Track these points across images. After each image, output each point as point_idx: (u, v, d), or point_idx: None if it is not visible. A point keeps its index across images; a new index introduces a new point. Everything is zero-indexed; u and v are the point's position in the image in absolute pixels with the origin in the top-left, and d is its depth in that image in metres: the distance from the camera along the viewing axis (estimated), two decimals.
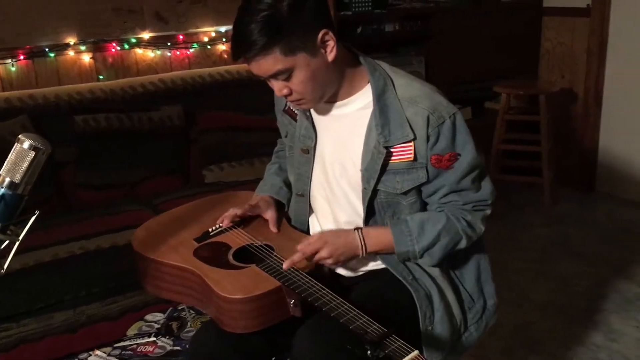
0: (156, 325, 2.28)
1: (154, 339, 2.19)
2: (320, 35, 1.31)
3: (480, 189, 1.48)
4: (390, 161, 1.42)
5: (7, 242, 1.13)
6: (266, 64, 1.31)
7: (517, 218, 3.49)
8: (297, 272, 1.39)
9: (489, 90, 3.74)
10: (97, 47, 3.07)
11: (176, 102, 3.04)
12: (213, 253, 1.52)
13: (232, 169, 2.96)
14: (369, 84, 1.43)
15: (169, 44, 3.23)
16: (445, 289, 1.50)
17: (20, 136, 1.13)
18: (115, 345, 2.20)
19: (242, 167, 2.96)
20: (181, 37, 3.26)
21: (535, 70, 4.10)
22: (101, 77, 3.10)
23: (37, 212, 1.16)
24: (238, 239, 1.58)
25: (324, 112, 1.51)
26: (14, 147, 1.12)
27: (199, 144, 3.05)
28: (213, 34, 3.34)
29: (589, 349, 2.34)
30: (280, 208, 1.69)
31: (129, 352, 2.15)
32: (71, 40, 3.00)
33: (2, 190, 1.12)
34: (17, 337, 2.21)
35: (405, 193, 1.44)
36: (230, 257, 1.50)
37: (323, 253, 1.40)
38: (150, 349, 2.15)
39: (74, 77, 3.05)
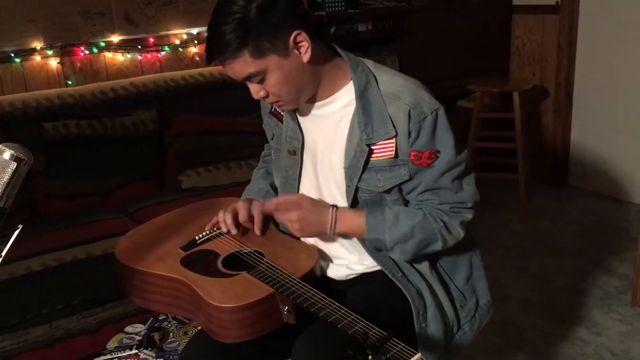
0: (137, 337, 2.22)
1: (136, 351, 2.13)
2: (292, 36, 1.29)
3: (460, 190, 1.42)
4: (372, 159, 1.39)
5: None
6: (238, 67, 1.29)
7: (494, 215, 3.51)
8: (290, 278, 1.36)
9: (461, 88, 3.76)
10: (64, 52, 2.98)
11: (149, 106, 2.96)
12: (201, 261, 1.47)
13: (208, 173, 2.90)
14: (352, 81, 1.40)
15: (139, 47, 3.16)
16: (435, 286, 1.49)
17: (0, 146, 1.07)
18: (96, 359, 2.13)
19: (219, 171, 2.90)
20: (152, 40, 3.19)
21: (506, 68, 4.13)
22: (69, 82, 3.01)
23: (20, 226, 1.09)
24: (226, 246, 1.53)
25: (308, 112, 1.48)
26: None
27: (173, 149, 2.98)
28: (184, 37, 3.28)
29: (575, 344, 2.35)
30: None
31: None
32: (37, 45, 2.90)
33: None
34: None
35: (388, 191, 1.42)
36: (219, 264, 1.46)
37: (293, 215, 1.42)
38: None
39: (41, 82, 2.95)
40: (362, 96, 1.37)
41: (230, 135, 3.03)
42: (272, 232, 1.60)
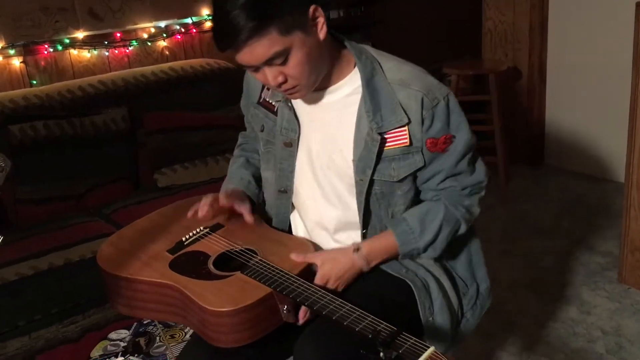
0: (122, 344, 2.15)
1: (122, 358, 2.06)
2: (311, 10, 1.22)
3: (474, 171, 1.43)
4: (385, 148, 1.34)
5: None
6: (261, 48, 1.18)
7: None
8: (287, 275, 1.30)
9: (436, 73, 3.72)
10: (27, 50, 2.87)
11: (119, 104, 2.87)
12: (191, 264, 1.40)
13: (185, 170, 2.82)
14: (356, 68, 1.34)
15: (105, 42, 3.06)
16: (440, 277, 1.46)
17: None
18: None
19: (196, 167, 2.82)
20: (118, 34, 3.09)
21: (479, 50, 4.11)
22: (34, 82, 2.90)
23: (1, 237, 1.01)
24: (216, 245, 1.46)
25: (309, 101, 1.41)
26: None
27: (147, 147, 2.89)
28: (152, 30, 3.18)
29: (566, 324, 2.35)
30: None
31: None
32: None
33: None
34: None
35: (402, 180, 1.38)
36: (210, 266, 1.39)
37: (330, 285, 1.35)
38: None
39: (4, 83, 2.84)
40: (368, 84, 1.32)
41: (205, 130, 2.95)
42: (263, 227, 1.54)
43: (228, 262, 1.41)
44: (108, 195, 2.71)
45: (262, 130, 1.52)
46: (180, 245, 1.48)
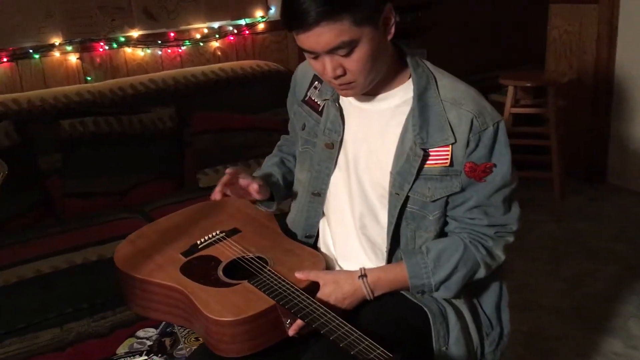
0: (148, 342, 2.15)
1: (145, 357, 2.06)
2: (386, 9, 1.20)
3: (508, 211, 1.35)
4: (426, 165, 1.29)
5: None
6: (330, 34, 1.15)
7: (524, 215, 3.33)
8: (292, 289, 1.26)
9: (493, 81, 3.60)
10: (84, 47, 2.95)
11: (168, 103, 2.90)
12: (201, 269, 1.39)
13: None
14: (410, 79, 1.31)
15: (159, 42, 3.10)
16: (461, 307, 1.38)
17: None
18: None
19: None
20: (172, 34, 3.13)
21: (542, 60, 3.95)
22: (89, 78, 2.97)
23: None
24: (228, 251, 1.44)
25: (357, 104, 1.38)
26: None
27: (192, 147, 2.91)
28: (205, 31, 3.21)
29: (608, 357, 2.20)
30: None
31: None
32: (56, 41, 2.87)
33: None
34: (2, 359, 2.09)
35: (435, 201, 1.31)
36: (220, 272, 1.37)
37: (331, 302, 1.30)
38: None
39: (61, 79, 2.92)
40: (420, 97, 1.28)
41: (250, 132, 2.94)
42: (277, 235, 1.51)
43: (238, 270, 1.38)
44: (151, 193, 2.75)
45: (302, 129, 1.49)
46: (194, 248, 1.47)
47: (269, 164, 1.64)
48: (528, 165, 3.49)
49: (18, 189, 2.54)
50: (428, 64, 1.34)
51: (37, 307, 2.11)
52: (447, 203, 1.33)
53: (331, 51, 1.19)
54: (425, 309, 1.34)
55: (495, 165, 1.28)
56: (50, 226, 2.46)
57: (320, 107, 1.43)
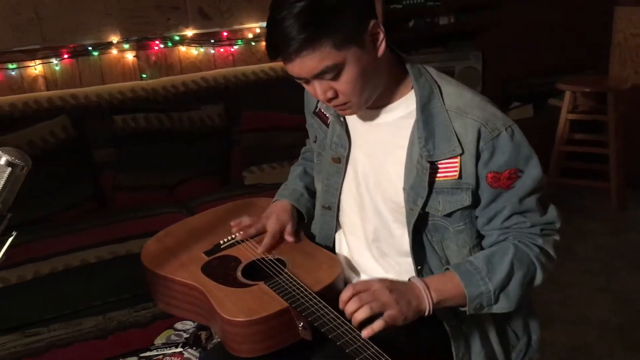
0: (185, 335, 2.21)
1: (181, 349, 2.12)
2: (370, 25, 1.16)
3: (545, 212, 1.28)
4: (436, 178, 1.25)
5: None
6: (313, 61, 1.13)
7: (577, 225, 3.23)
8: (306, 292, 1.27)
9: (552, 85, 3.48)
10: (140, 45, 3.04)
11: (218, 101, 2.96)
12: (221, 268, 1.41)
13: (272, 170, 2.86)
14: (413, 90, 1.26)
15: (212, 41, 3.16)
16: (489, 331, 1.33)
17: None
18: (141, 355, 2.14)
19: (283, 168, 2.84)
20: (225, 33, 3.19)
21: (605, 65, 3.79)
22: (144, 75, 3.06)
23: (14, 233, 1.07)
24: (249, 252, 1.46)
25: (362, 118, 1.34)
26: None
27: (240, 145, 2.97)
28: (258, 30, 3.25)
29: None
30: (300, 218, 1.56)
31: None
32: (114, 39, 2.97)
33: None
34: (47, 342, 2.19)
35: (449, 215, 1.26)
36: (238, 273, 1.39)
37: (393, 311, 1.15)
38: None
39: (117, 75, 3.02)
40: (424, 109, 1.24)
41: (297, 132, 2.93)
42: (300, 238, 1.51)
43: (256, 271, 1.40)
44: (198, 188, 2.81)
45: (314, 141, 1.49)
46: (216, 248, 1.50)
47: (294, 177, 1.64)
48: (584, 173, 3.37)
49: (73, 181, 2.66)
50: (432, 71, 1.29)
51: (81, 294, 2.20)
52: (469, 217, 1.28)
53: (317, 76, 1.16)
54: (445, 322, 1.29)
55: (521, 171, 1.23)
56: (99, 218, 2.56)
57: (329, 120, 1.41)
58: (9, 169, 1.04)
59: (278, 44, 1.14)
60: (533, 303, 1.43)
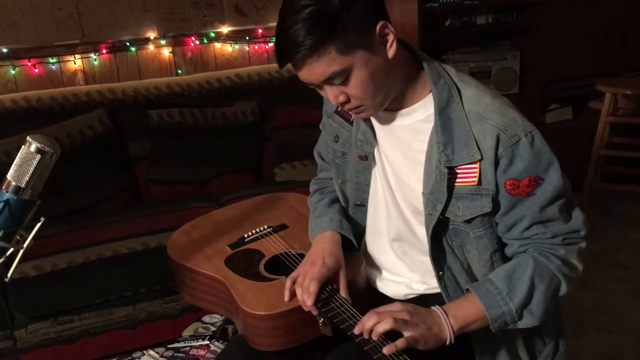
0: (212, 328, 2.23)
1: (208, 342, 2.14)
2: (378, 27, 1.14)
3: (569, 219, 1.24)
4: (455, 184, 1.22)
5: (12, 249, 1.07)
6: (320, 67, 1.12)
7: (615, 232, 3.14)
8: (327, 288, 1.26)
9: (592, 88, 3.39)
10: (176, 42, 3.08)
11: (251, 97, 2.99)
12: (245, 262, 1.43)
13: (304, 167, 2.86)
14: (431, 93, 1.24)
15: (247, 38, 3.18)
16: (515, 336, 1.31)
17: (27, 138, 1.07)
18: (169, 346, 2.17)
19: (315, 166, 2.82)
20: (260, 31, 3.20)
21: None
22: (179, 71, 3.10)
23: (42, 219, 1.09)
24: (272, 246, 1.47)
25: (379, 121, 1.33)
26: (21, 149, 1.06)
27: (272, 141, 2.98)
28: None
29: None
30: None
31: (182, 354, 2.11)
32: (152, 35, 3.02)
33: (7, 195, 1.05)
34: (79, 330, 2.24)
35: (469, 221, 1.24)
36: (261, 267, 1.40)
37: (414, 333, 1.13)
38: (202, 352, 2.10)
39: (154, 71, 3.07)
40: (442, 112, 1.21)
41: None
42: None
43: (279, 265, 1.40)
44: (230, 184, 2.83)
45: (336, 141, 1.45)
46: (241, 241, 1.51)
47: (322, 205, 1.49)
48: (624, 178, 3.28)
49: (109, 173, 2.71)
50: (452, 72, 1.26)
51: (113, 285, 2.25)
52: (489, 222, 1.25)
53: (326, 82, 1.15)
54: (476, 347, 1.27)
55: (541, 178, 1.20)
56: (132, 210, 2.61)
57: (352, 118, 1.38)
58: (39, 156, 1.06)
59: (285, 52, 1.13)
60: (563, 308, 1.39)
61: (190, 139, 2.83)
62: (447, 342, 1.16)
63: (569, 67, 3.49)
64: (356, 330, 1.14)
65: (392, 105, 1.25)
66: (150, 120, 2.80)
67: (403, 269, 1.38)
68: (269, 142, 2.99)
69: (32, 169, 1.06)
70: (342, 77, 1.14)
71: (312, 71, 1.13)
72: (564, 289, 1.23)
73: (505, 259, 1.29)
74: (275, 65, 3.11)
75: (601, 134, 3.24)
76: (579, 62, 3.50)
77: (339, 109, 1.44)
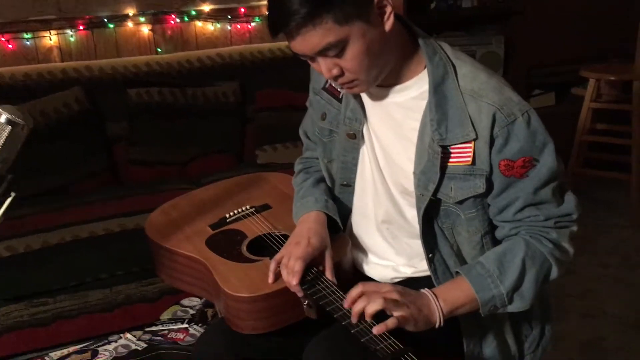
0: (191, 311, 2.18)
1: (186, 325, 2.09)
2: None
3: (562, 202, 1.22)
4: (449, 163, 1.19)
5: None
6: (315, 37, 1.07)
7: (597, 218, 3.15)
8: (312, 269, 1.22)
9: (576, 74, 3.38)
10: (156, 19, 3.00)
11: (233, 78, 2.92)
12: (226, 243, 1.38)
13: (285, 150, 2.82)
14: (426, 69, 1.20)
15: (229, 17, 3.11)
16: (502, 321, 1.28)
17: None
18: (147, 329, 2.11)
19: (297, 148, 2.79)
20: (243, 10, 3.14)
21: (631, 55, 3.68)
22: (159, 50, 3.03)
23: (12, 194, 1.03)
24: (255, 227, 1.42)
25: (370, 97, 1.28)
26: None
27: (254, 123, 2.92)
28: None
29: None
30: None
31: (159, 337, 2.05)
32: (130, 11, 2.94)
33: None
34: (54, 313, 2.18)
35: (461, 202, 1.21)
36: (244, 248, 1.36)
37: (404, 312, 1.09)
38: (181, 336, 2.04)
39: (133, 49, 2.99)
40: (437, 90, 1.17)
41: None
42: None
43: (262, 246, 1.36)
44: (210, 165, 2.77)
45: (323, 119, 1.40)
46: (222, 221, 1.46)
47: (307, 186, 1.43)
48: (606, 164, 3.28)
49: (86, 153, 2.64)
50: (447, 49, 1.22)
51: (89, 267, 2.19)
52: (481, 204, 1.22)
53: (320, 53, 1.10)
54: (463, 330, 1.25)
55: (536, 159, 1.17)
56: (110, 191, 2.55)
57: (341, 95, 1.34)
58: (9, 127, 1.00)
59: (278, 20, 1.09)
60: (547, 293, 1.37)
61: (170, 119, 2.76)
62: (437, 325, 1.14)
63: (553, 52, 3.48)
64: (346, 305, 1.10)
65: (385, 81, 1.21)
66: (129, 100, 2.73)
67: (390, 252, 1.35)
68: (251, 124, 2.93)
69: (1, 141, 1.01)
70: (338, 48, 1.10)
71: (306, 41, 1.09)
72: (554, 272, 1.21)
73: (496, 241, 1.26)
74: (258, 46, 3.10)
75: (584, 120, 3.23)
76: (563, 47, 3.50)
77: (327, 86, 1.39)
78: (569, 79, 3.53)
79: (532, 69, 3.51)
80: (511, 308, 1.19)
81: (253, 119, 2.93)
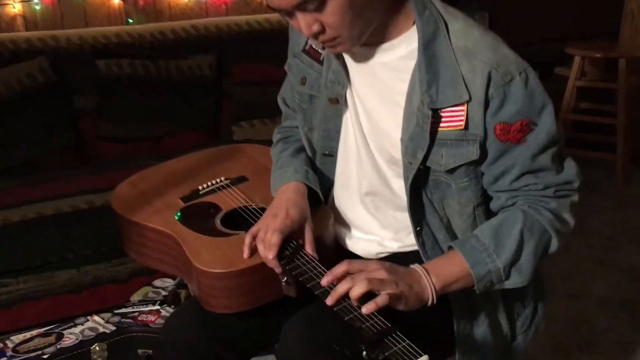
0: (163, 292, 2.08)
1: (158, 307, 1.99)
2: None
3: (561, 170, 1.13)
4: (439, 128, 1.09)
5: None
6: None
7: (582, 198, 3.05)
8: (292, 244, 1.13)
9: (560, 53, 3.32)
10: None
11: (209, 51, 2.80)
12: (199, 216, 1.28)
13: (263, 126, 2.72)
14: (415, 26, 1.09)
15: None
16: (496, 301, 1.21)
17: None
18: (116, 311, 2.01)
19: (275, 124, 2.67)
20: None
21: (616, 33, 3.63)
22: (130, 20, 2.89)
23: None
24: (231, 200, 1.32)
25: (353, 58, 1.17)
26: None
27: (231, 98, 2.81)
28: None
29: None
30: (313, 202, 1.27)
31: (129, 320, 1.95)
32: None
33: None
34: (17, 294, 2.07)
35: (452, 171, 1.12)
36: (217, 221, 1.26)
37: (393, 290, 1.00)
38: (152, 318, 1.94)
39: (102, 19, 2.85)
40: (427, 48, 1.07)
41: None
42: None
43: (238, 220, 1.26)
44: (184, 141, 2.65)
45: (303, 83, 1.28)
46: (195, 194, 1.36)
47: (286, 155, 1.34)
48: (590, 144, 3.24)
49: (52, 127, 2.51)
50: (438, 3, 1.11)
51: (54, 246, 2.07)
52: (474, 173, 1.13)
53: (299, 7, 1.00)
54: (453, 309, 1.17)
55: (534, 123, 1.08)
56: (77, 167, 2.43)
57: (322, 57, 1.23)
58: None
59: None
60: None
61: (142, 92, 2.64)
62: (429, 303, 1.05)
63: (538, 30, 3.42)
64: (324, 282, 1.01)
65: (370, 39, 1.10)
66: (97, 71, 2.60)
67: (375, 225, 1.26)
68: (227, 99, 2.82)
69: None
70: (317, 1, 0.99)
71: None
72: (554, 245, 1.13)
73: (489, 214, 1.18)
74: (235, 18, 2.96)
75: (569, 98, 3.18)
76: (548, 26, 3.44)
77: (307, 47, 1.28)
78: (554, 57, 3.47)
79: (516, 47, 3.44)
80: (508, 284, 1.11)
81: (229, 94, 2.82)
